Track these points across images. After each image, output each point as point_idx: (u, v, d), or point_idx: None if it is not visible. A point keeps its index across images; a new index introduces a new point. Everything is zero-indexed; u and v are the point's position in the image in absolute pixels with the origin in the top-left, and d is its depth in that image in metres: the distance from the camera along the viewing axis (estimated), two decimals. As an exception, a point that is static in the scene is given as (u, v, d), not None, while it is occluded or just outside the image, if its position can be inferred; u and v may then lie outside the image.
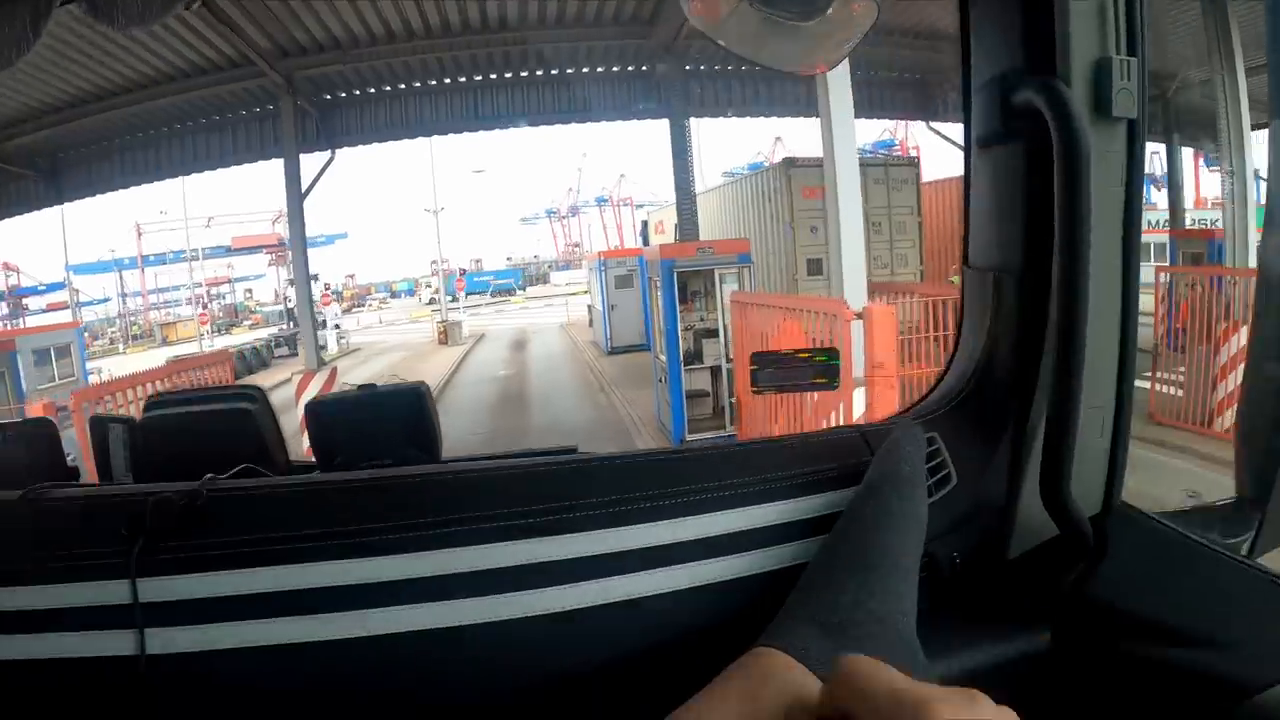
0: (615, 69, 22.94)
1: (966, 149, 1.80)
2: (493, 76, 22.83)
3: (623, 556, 1.46)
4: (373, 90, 23.01)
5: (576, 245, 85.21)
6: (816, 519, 1.54)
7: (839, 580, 1.29)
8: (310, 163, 21.77)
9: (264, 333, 45.74)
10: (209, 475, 1.50)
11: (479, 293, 62.81)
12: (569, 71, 23.02)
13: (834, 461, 1.63)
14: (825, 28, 1.65)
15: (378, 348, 42.29)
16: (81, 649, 1.30)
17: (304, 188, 20.97)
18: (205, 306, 58.38)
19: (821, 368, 3.51)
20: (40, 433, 2.53)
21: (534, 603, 1.39)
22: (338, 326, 43.54)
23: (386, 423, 2.24)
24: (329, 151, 22.28)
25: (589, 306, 40.35)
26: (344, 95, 22.80)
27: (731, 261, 16.70)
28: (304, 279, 21.13)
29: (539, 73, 22.87)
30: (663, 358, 15.67)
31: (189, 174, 22.74)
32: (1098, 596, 1.51)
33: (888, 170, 21.64)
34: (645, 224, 39.25)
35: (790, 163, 20.49)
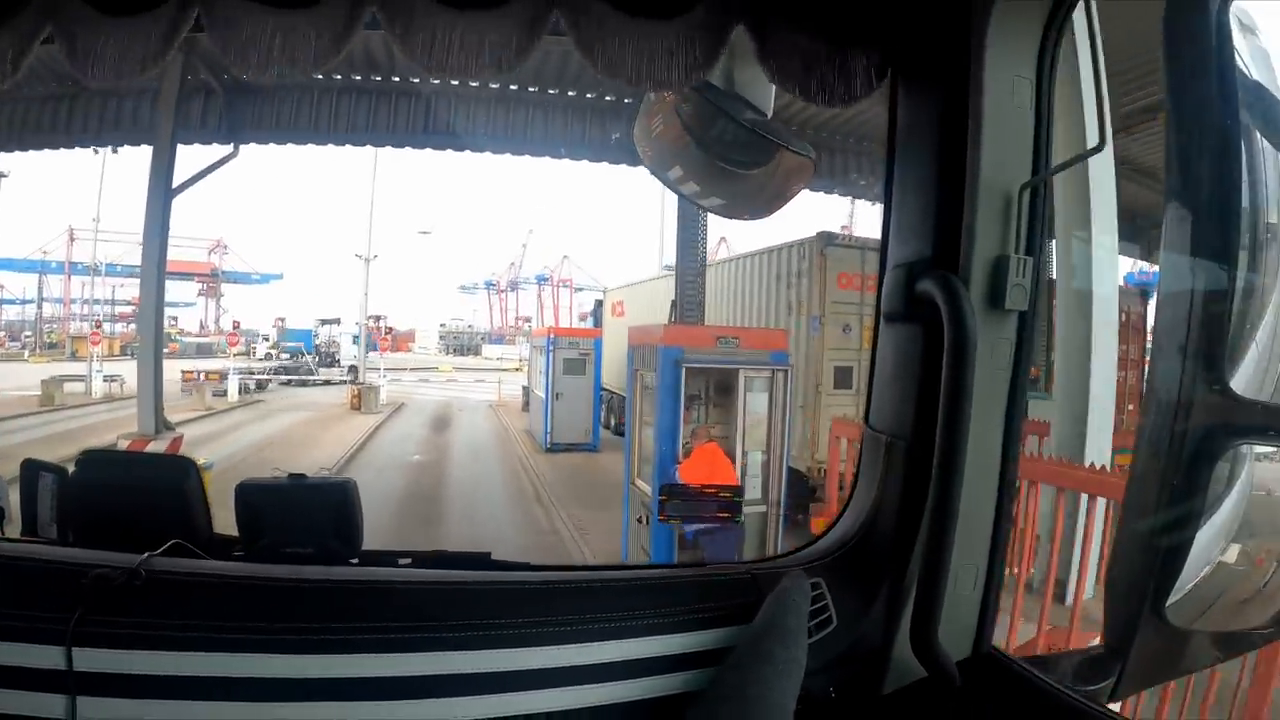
0: (608, 96, 18.28)
1: (876, 319, 2.11)
2: (454, 83, 17.04)
3: (523, 675, 1.63)
4: (302, 77, 16.69)
5: (527, 320, 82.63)
6: (705, 652, 1.77)
7: (722, 715, 1.57)
8: (201, 157, 15.18)
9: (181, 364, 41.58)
10: (146, 555, 1.67)
11: (302, 351, 60.06)
12: (550, 93, 18.68)
13: (725, 599, 1.88)
14: (767, 178, 2.21)
15: (283, 403, 38.61)
16: (10, 707, 1.42)
17: (181, 182, 14.35)
18: (98, 326, 55.00)
19: (726, 503, 3.55)
20: None
21: (436, 713, 1.56)
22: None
23: (312, 513, 2.28)
24: (230, 146, 15.52)
25: (525, 389, 37.12)
26: (262, 75, 15.49)
27: (763, 361, 12.75)
28: (155, 305, 14.54)
29: (513, 87, 18.22)
30: (642, 485, 12.44)
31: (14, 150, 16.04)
32: None
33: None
34: (599, 303, 36.43)
35: (828, 238, 16.26)
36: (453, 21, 1.76)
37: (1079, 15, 1.81)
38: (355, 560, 2.24)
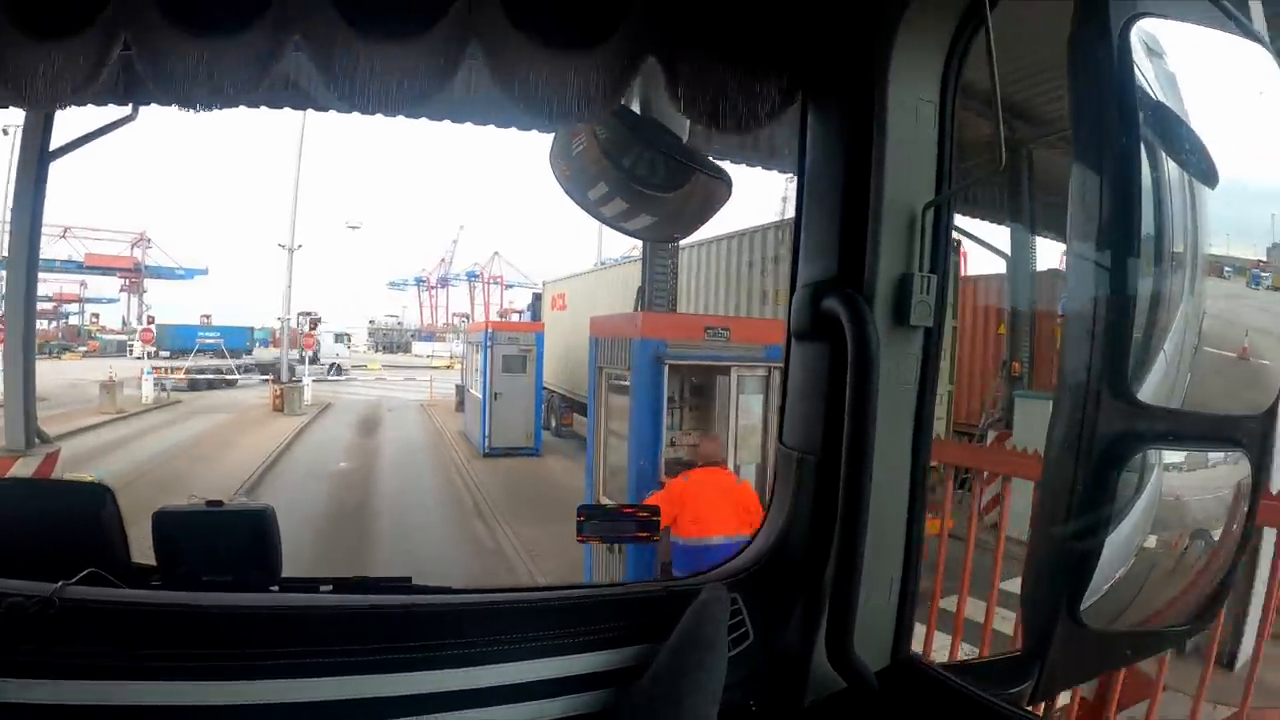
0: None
1: (787, 339, 2.18)
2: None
3: (442, 698, 1.64)
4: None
5: (464, 316, 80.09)
6: (624, 669, 1.79)
7: None
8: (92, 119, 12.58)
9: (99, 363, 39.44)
10: (60, 584, 1.62)
11: (186, 351, 56.98)
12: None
13: (643, 616, 1.87)
14: (684, 201, 2.27)
15: (202, 405, 36.42)
16: None
17: (60, 145, 11.68)
18: None
19: (643, 523, 3.41)
20: None
21: None
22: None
23: (231, 540, 2.30)
24: (128, 106, 12.84)
25: (459, 387, 35.65)
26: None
27: (757, 357, 10.99)
28: (24, 296, 11.97)
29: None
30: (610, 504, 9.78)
31: None
32: None
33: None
34: (537, 297, 34.99)
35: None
36: (372, 52, 1.74)
37: (982, 42, 1.79)
38: (275, 588, 2.23)
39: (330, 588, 2.23)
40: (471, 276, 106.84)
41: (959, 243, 16.13)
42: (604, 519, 3.68)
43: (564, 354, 26.53)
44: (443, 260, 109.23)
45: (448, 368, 59.12)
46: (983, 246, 16.50)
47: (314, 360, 56.97)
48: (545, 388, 26.12)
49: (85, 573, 1.74)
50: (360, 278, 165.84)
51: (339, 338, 65.07)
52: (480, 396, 25.17)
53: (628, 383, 10.47)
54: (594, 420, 11.99)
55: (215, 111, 1.89)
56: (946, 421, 16.39)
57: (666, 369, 9.88)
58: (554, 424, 27.82)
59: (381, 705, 1.60)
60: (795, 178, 2.17)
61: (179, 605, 1.69)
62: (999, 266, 17.10)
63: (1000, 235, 17.05)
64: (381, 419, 33.94)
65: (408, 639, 1.66)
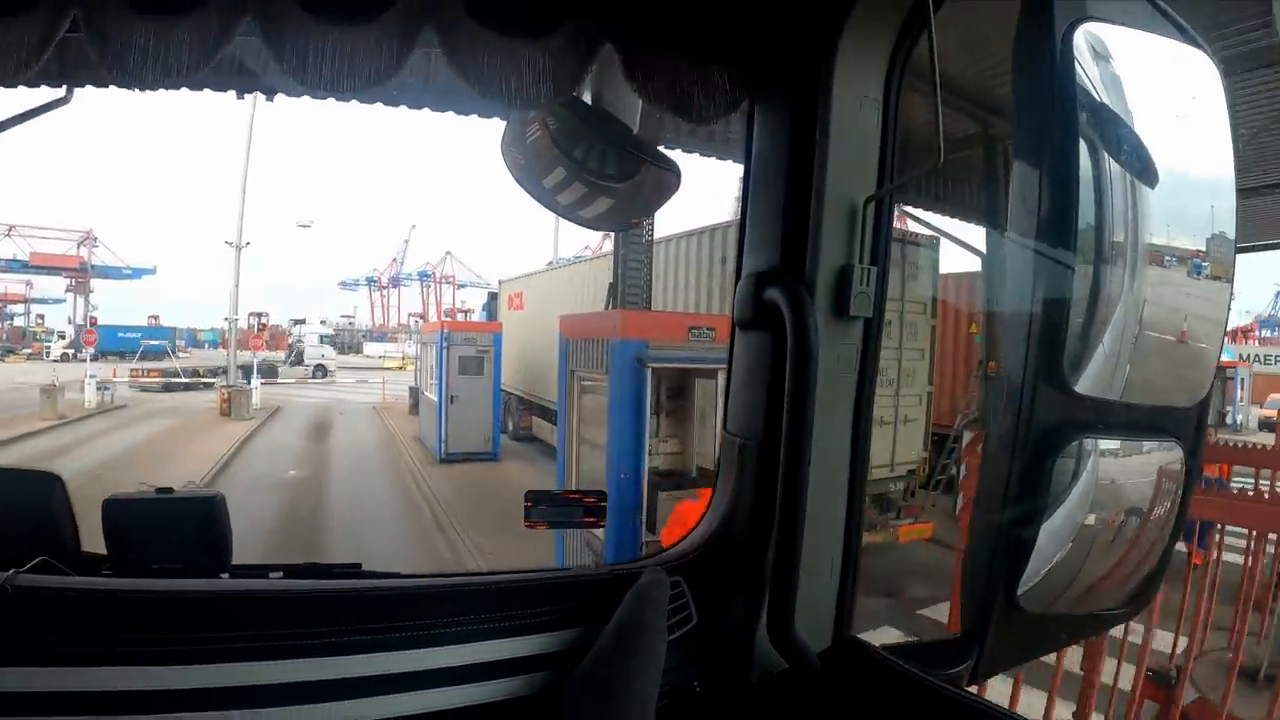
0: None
1: (731, 329, 2.23)
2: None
3: (392, 679, 1.66)
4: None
5: (420, 316, 77.31)
6: (568, 650, 1.82)
7: (585, 710, 1.67)
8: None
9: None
10: (12, 571, 1.63)
11: (120, 352, 58.08)
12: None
13: (586, 599, 1.91)
14: (633, 191, 2.29)
15: (147, 408, 35.49)
16: None
17: None
18: None
19: (591, 508, 3.48)
20: None
21: (306, 718, 1.57)
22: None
23: (180, 528, 2.32)
24: (61, 88, 11.64)
25: (413, 389, 35.01)
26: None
27: None
28: None
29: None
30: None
31: None
32: None
33: (904, 249, 15.38)
34: (493, 296, 34.52)
35: None
36: (325, 35, 1.74)
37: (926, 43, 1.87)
38: (225, 574, 2.27)
39: (280, 574, 2.25)
40: (424, 276, 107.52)
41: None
42: (552, 504, 3.61)
43: (522, 355, 26.09)
44: (394, 260, 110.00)
45: (400, 369, 59.55)
46: (957, 244, 16.54)
47: (298, 362, 57.75)
48: (503, 390, 25.69)
49: (36, 561, 1.75)
50: (311, 278, 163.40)
51: (324, 339, 64.49)
52: (436, 400, 24.62)
53: (603, 386, 9.99)
54: (564, 428, 11.42)
55: (161, 92, 2.05)
56: (926, 424, 15.80)
57: (650, 372, 9.00)
58: (511, 427, 27.33)
59: (330, 687, 1.60)
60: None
61: (129, 591, 1.68)
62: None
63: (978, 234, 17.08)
64: (333, 423, 33.22)
65: (356, 623, 1.68)
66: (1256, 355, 55.90)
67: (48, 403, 30.94)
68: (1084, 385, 1.76)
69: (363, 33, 1.75)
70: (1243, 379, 25.73)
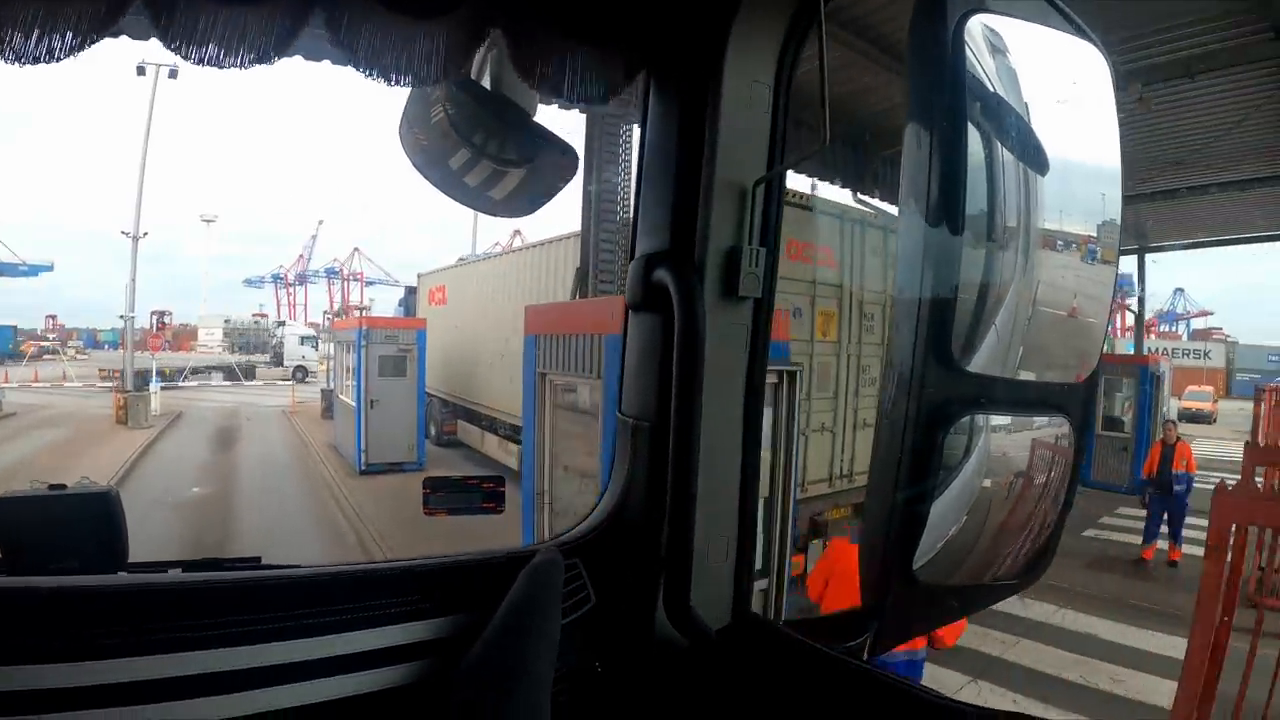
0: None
1: (625, 310, 2.28)
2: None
3: (293, 668, 1.66)
4: None
5: (365, 308, 79.59)
6: (464, 633, 1.82)
7: (483, 693, 1.67)
8: None
9: None
10: None
11: None
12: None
13: (482, 582, 1.91)
14: (532, 175, 2.30)
15: (38, 416, 33.50)
16: None
17: None
18: None
19: (489, 493, 3.33)
20: None
21: (206, 712, 1.56)
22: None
23: (75, 525, 2.34)
24: None
25: (325, 392, 33.88)
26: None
27: None
28: None
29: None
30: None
31: None
32: (728, 695, 1.97)
33: (864, 232, 13.85)
34: (411, 290, 33.54)
35: None
36: (215, 10, 1.73)
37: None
38: (124, 571, 2.28)
39: (180, 569, 2.29)
40: (331, 273, 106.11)
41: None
42: (451, 490, 3.39)
43: (446, 353, 25.21)
44: (301, 256, 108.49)
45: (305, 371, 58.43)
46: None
47: (278, 363, 57.85)
48: (426, 392, 24.41)
49: None
50: (218, 275, 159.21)
51: (304, 339, 63.57)
52: (353, 404, 23.27)
53: (587, 394, 8.92)
54: (533, 444, 9.69)
55: (61, 76, 2.05)
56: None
57: None
58: (435, 432, 26.10)
59: (228, 678, 1.60)
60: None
61: (21, 589, 1.67)
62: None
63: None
64: (240, 430, 31.67)
65: (253, 613, 1.68)
66: (1167, 349, 58.12)
67: None
68: (974, 363, 1.82)
69: (255, 9, 1.73)
70: (1165, 372, 25.68)
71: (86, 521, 2.33)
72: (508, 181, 2.35)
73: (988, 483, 2.03)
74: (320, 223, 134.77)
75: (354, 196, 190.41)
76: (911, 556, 1.84)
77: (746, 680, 1.99)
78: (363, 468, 21.78)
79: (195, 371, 54.85)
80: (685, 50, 2.03)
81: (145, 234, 37.80)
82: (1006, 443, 2.06)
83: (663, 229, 2.13)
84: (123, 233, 37.30)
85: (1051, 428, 2.04)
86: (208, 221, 76.09)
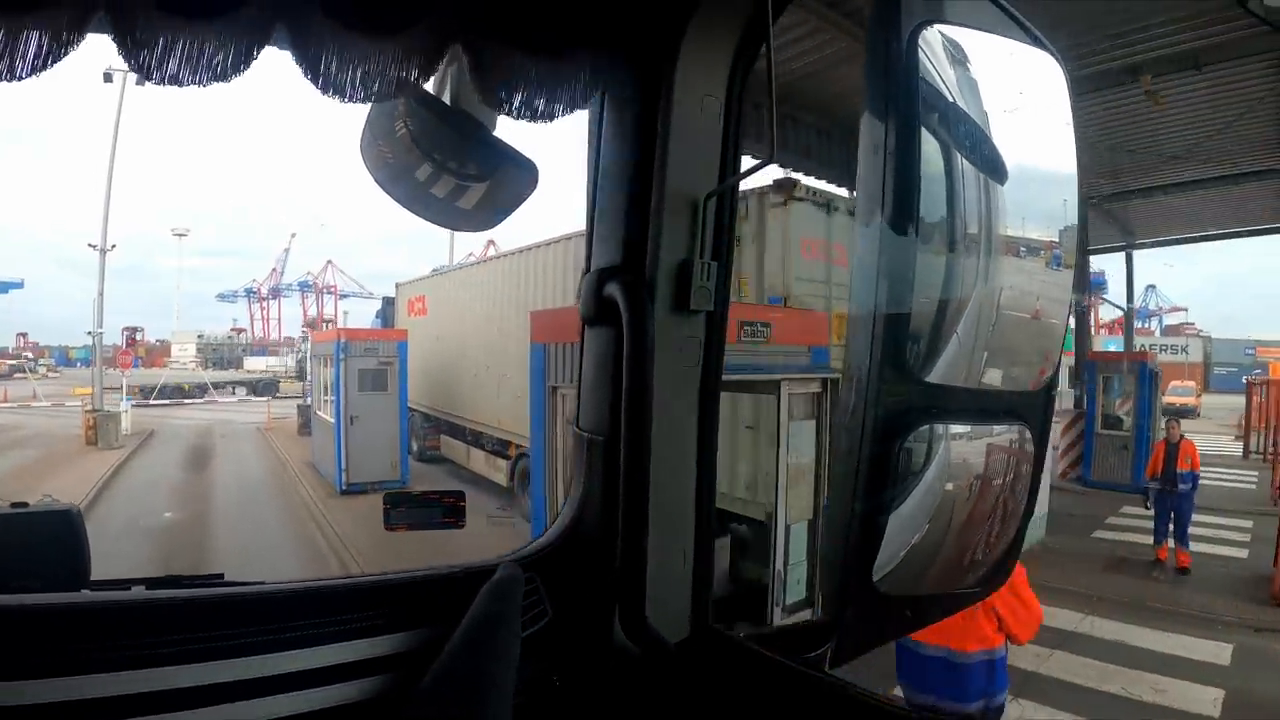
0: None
1: (581, 325, 2.27)
2: None
3: (252, 684, 1.65)
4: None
5: (329, 321, 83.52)
6: (423, 649, 1.82)
7: (445, 708, 1.65)
8: None
9: None
10: None
11: None
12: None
13: (443, 597, 1.91)
14: (495, 189, 2.27)
15: (4, 438, 32.94)
16: None
17: None
18: None
19: (449, 508, 3.37)
20: None
21: None
22: None
23: (37, 542, 2.36)
24: None
25: (302, 407, 33.43)
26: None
27: (804, 364, 8.24)
28: None
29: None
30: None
31: None
32: (687, 708, 2.00)
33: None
34: (389, 301, 31.96)
35: (790, 188, 11.64)
36: (176, 29, 1.73)
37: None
38: (86, 589, 2.28)
39: (143, 587, 2.33)
40: (304, 287, 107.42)
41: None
42: (412, 506, 3.48)
43: (427, 365, 24.44)
44: (274, 270, 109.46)
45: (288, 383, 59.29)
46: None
47: (301, 376, 54.99)
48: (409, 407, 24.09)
49: None
50: (190, 289, 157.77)
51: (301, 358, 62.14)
52: (333, 421, 22.63)
53: None
54: (541, 466, 8.64)
55: (7, 86, 1.73)
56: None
57: None
58: (417, 448, 25.52)
59: (189, 694, 1.61)
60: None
61: None
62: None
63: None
64: (215, 448, 31.13)
65: (215, 629, 1.68)
66: (1145, 345, 58.86)
67: None
68: (933, 372, 1.83)
69: (213, 28, 1.74)
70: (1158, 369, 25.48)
71: (49, 539, 2.34)
72: (470, 196, 2.36)
73: (948, 491, 2.03)
74: (293, 236, 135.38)
75: (325, 209, 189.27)
76: (871, 567, 1.85)
77: (705, 692, 2.05)
78: (343, 487, 21.12)
79: (216, 387, 55.50)
80: (637, 66, 2.08)
81: (113, 246, 37.19)
82: (967, 450, 2.06)
83: (614, 243, 2.18)
84: (90, 245, 36.43)
85: (1012, 434, 2.05)
86: (179, 235, 76.02)
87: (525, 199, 2.38)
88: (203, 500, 21.23)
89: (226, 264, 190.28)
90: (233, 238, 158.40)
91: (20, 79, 1.70)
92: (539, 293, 18.31)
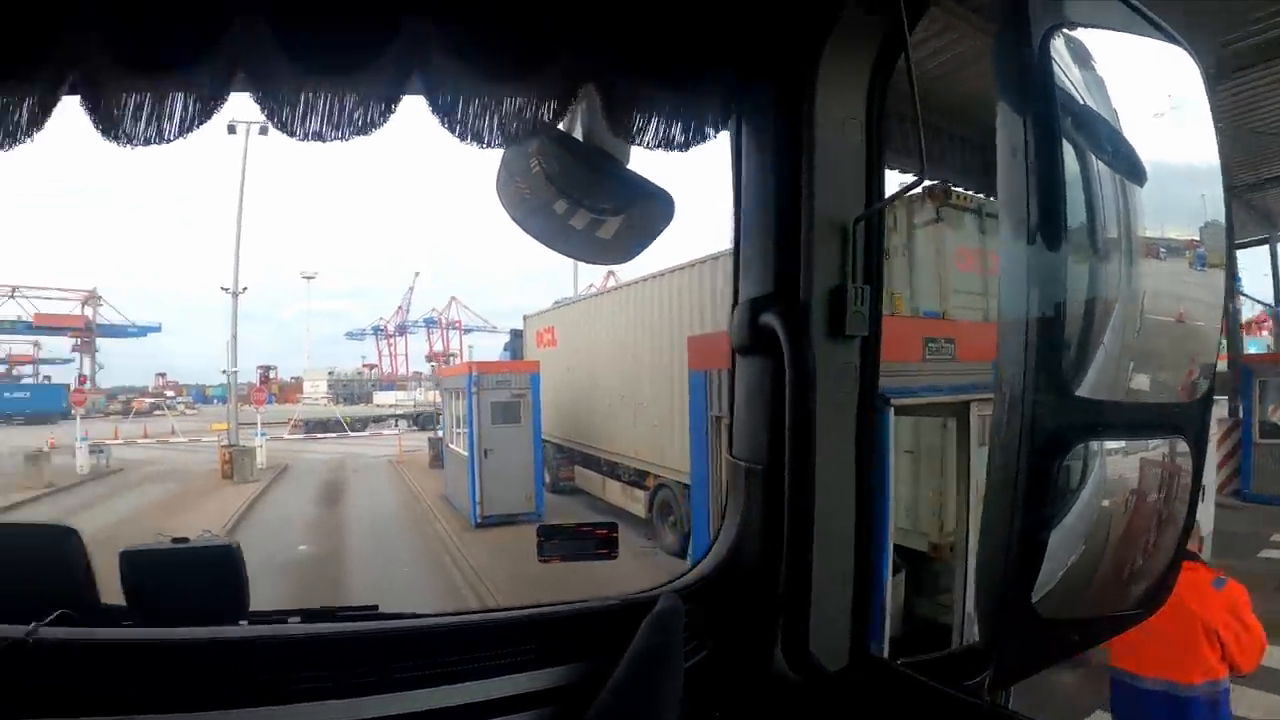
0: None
1: (731, 354, 2.32)
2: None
3: (410, 719, 1.72)
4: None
5: (450, 356, 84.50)
6: (583, 683, 1.84)
7: None
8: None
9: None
10: (33, 625, 1.68)
11: None
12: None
13: (601, 630, 1.92)
14: (632, 222, 2.29)
15: (144, 472, 33.68)
16: None
17: None
18: None
19: (603, 540, 3.26)
20: None
21: None
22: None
23: (198, 577, 2.42)
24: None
25: (433, 440, 33.39)
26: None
27: (988, 380, 7.13)
28: None
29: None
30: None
31: None
32: None
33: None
34: (516, 334, 31.92)
35: (944, 194, 11.09)
36: (318, 87, 1.84)
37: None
38: (244, 621, 2.36)
39: (298, 619, 2.37)
40: (430, 323, 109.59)
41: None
42: (565, 538, 3.33)
43: (558, 396, 24.07)
44: (400, 308, 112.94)
45: (378, 419, 61.01)
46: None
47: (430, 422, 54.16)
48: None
49: (56, 614, 1.84)
50: (320, 329, 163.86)
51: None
52: (466, 454, 22.29)
53: None
54: (704, 496, 7.66)
55: (154, 148, 1.86)
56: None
57: (892, 416, 5.66)
58: (550, 479, 24.88)
59: None
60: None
61: (149, 640, 1.79)
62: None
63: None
64: (348, 483, 31.49)
65: (371, 664, 1.73)
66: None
67: (31, 470, 29.44)
68: (1085, 387, 1.78)
69: (353, 83, 1.82)
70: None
71: (209, 573, 2.42)
72: (607, 228, 2.35)
73: (1104, 508, 1.94)
74: (416, 274, 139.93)
75: (448, 248, 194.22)
76: (1030, 589, 1.81)
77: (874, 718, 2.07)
78: (478, 521, 20.80)
79: (377, 420, 57.86)
80: (774, 90, 2.06)
81: (244, 289, 38.87)
82: (1123, 465, 1.96)
83: (765, 272, 2.18)
84: (222, 288, 38.25)
85: (1168, 447, 1.95)
86: (307, 278, 79.25)
87: (662, 230, 2.39)
88: (337, 534, 21.37)
89: (353, 305, 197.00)
90: (358, 279, 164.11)
91: (169, 141, 1.80)
92: (675, 318, 17.71)
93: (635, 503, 19.98)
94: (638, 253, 2.41)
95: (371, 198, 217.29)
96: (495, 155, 2.22)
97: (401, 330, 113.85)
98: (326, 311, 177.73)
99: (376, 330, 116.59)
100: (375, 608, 2.38)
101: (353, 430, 52.94)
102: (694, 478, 10.28)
